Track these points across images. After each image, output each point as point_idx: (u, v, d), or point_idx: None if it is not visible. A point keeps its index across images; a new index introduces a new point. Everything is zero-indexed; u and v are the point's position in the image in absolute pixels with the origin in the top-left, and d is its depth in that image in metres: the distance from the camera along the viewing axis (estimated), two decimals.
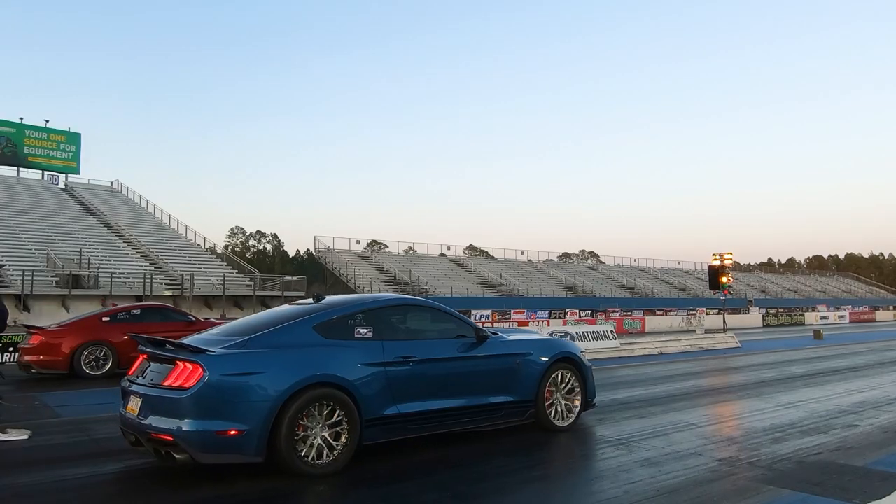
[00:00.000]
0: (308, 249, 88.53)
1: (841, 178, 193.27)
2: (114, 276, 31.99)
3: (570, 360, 7.13)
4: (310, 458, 5.08)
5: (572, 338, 16.83)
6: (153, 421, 4.92)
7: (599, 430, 7.16)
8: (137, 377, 5.46)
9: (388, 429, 5.63)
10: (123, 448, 5.74)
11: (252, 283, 37.96)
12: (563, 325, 25.85)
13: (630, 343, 18.87)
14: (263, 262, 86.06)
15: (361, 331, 5.75)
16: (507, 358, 6.59)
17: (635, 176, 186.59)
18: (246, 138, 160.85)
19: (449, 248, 58.11)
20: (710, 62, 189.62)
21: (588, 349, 16.79)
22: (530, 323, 32.68)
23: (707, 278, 31.79)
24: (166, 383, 4.99)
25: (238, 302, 36.20)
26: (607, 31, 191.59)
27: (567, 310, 42.00)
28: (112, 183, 50.43)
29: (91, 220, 41.56)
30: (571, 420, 7.04)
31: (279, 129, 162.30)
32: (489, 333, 6.67)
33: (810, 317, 46.89)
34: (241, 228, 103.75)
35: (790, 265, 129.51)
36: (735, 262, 70.77)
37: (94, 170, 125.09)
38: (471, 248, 74.83)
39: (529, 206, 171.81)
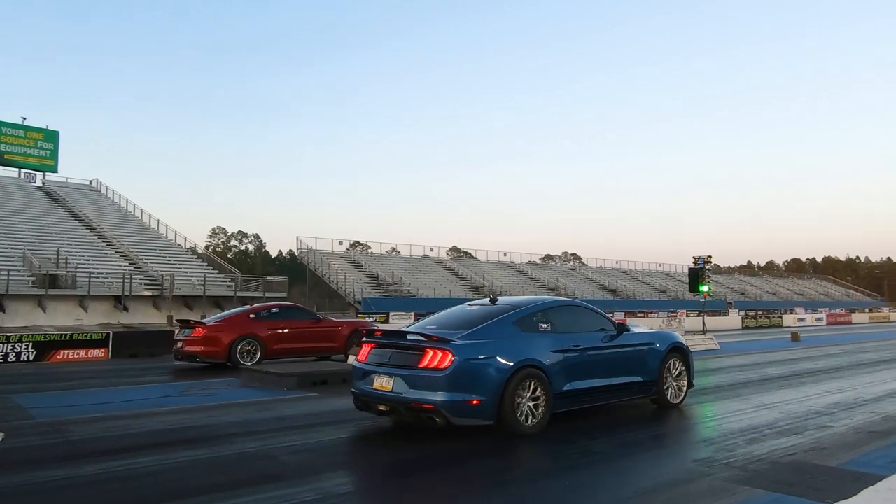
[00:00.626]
0: (290, 250, 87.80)
1: (819, 182, 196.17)
2: (92, 276, 31.60)
3: (679, 349, 8.72)
4: (522, 421, 6.61)
5: None
6: (412, 395, 6.37)
7: (571, 432, 7.22)
8: (378, 362, 6.88)
9: (566, 401, 7.17)
10: (101, 449, 5.69)
11: (233, 283, 37.69)
12: None
13: None
14: (245, 262, 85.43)
15: (543, 325, 7.31)
16: (638, 347, 8.23)
17: (618, 179, 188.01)
18: (229, 139, 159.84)
19: (432, 250, 58.21)
20: (691, 66, 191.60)
21: None
22: None
23: (687, 280, 32.07)
24: (422, 366, 6.38)
25: (218, 302, 35.90)
26: (587, 35, 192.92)
27: None
28: (91, 182, 49.81)
29: (69, 219, 41.00)
30: (681, 398, 8.65)
31: (262, 130, 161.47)
32: (626, 327, 8.31)
33: (788, 319, 47.50)
34: (223, 229, 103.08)
35: (769, 268, 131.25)
36: (715, 264, 71.61)
37: (72, 168, 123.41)
38: (454, 249, 74.98)
39: (513, 208, 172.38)
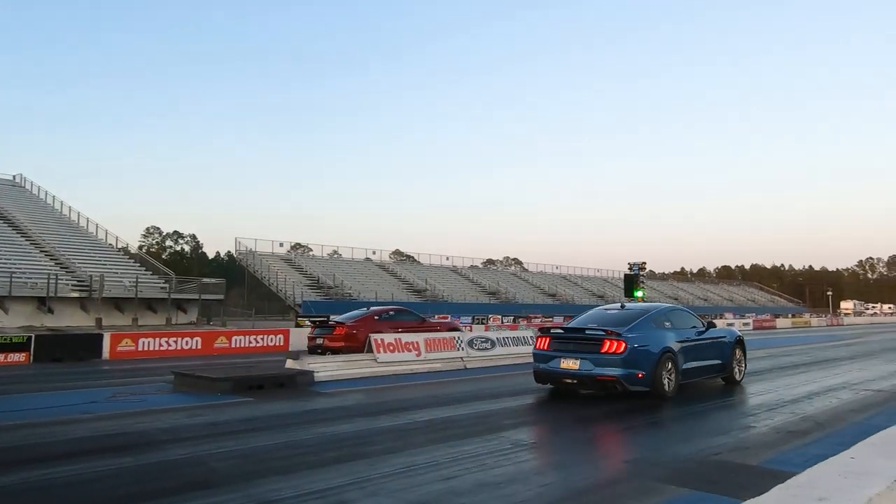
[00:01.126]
0: (229, 251, 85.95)
1: (748, 193, 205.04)
2: (14, 275, 30.02)
3: (740, 342, 11.91)
4: (666, 388, 9.64)
5: (493, 343, 17.09)
6: (598, 371, 9.33)
7: (516, 434, 7.31)
8: (560, 349, 10.00)
9: (684, 376, 10.13)
10: (22, 458, 5.41)
11: (167, 285, 36.48)
12: (486, 330, 26.19)
13: None
14: (180, 263, 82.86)
15: (667, 323, 10.41)
16: (719, 339, 11.50)
17: (558, 186, 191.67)
18: (164, 138, 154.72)
19: (374, 253, 57.88)
20: (626, 77, 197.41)
21: (507, 355, 17.11)
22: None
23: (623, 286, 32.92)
24: (603, 351, 9.34)
25: (151, 305, 34.72)
26: (525, 46, 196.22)
27: (490, 315, 42.54)
28: (14, 177, 47.37)
29: None
30: (740, 378, 11.82)
31: (200, 129, 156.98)
32: (713, 324, 11.72)
33: (718, 324, 49.31)
34: (157, 228, 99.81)
35: (701, 274, 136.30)
36: (651, 270, 73.59)
37: None
38: (397, 252, 74.78)
39: (456, 213, 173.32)
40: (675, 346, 9.95)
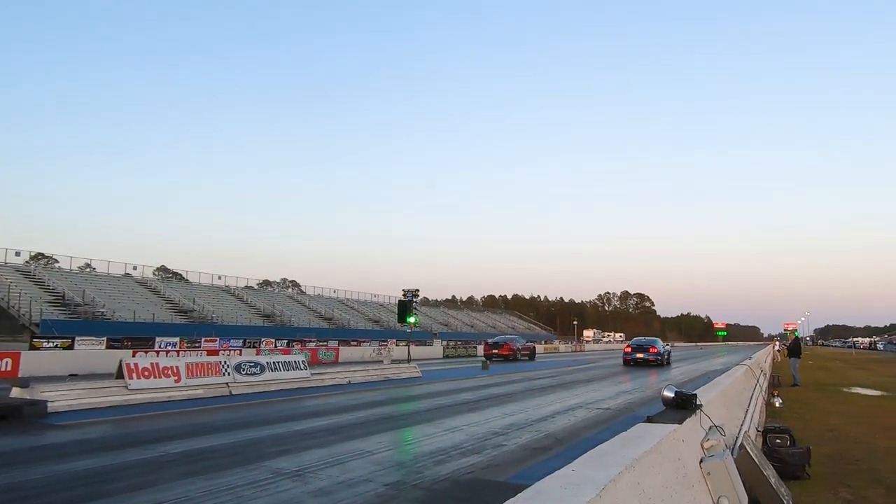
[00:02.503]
0: None
1: (512, 230, 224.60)
2: None
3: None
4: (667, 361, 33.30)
5: (262, 367, 16.44)
6: (649, 356, 31.06)
7: (278, 462, 7.08)
8: (635, 349, 32.00)
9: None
10: None
11: None
12: (257, 354, 25.12)
13: (321, 373, 19.11)
14: None
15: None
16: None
17: (337, 209, 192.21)
18: None
19: (136, 268, 52.54)
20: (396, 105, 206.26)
21: (277, 380, 16.58)
22: (221, 352, 31.03)
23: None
24: (652, 351, 31.34)
25: None
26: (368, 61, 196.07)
27: (263, 338, 40.86)
28: None
29: None
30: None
31: None
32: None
33: (481, 349, 52.88)
34: None
35: (469, 303, 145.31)
36: (424, 297, 76.64)
37: None
38: (162, 269, 68.86)
39: (232, 232, 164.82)
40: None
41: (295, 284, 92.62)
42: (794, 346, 22.27)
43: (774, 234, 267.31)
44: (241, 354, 25.93)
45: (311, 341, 41.98)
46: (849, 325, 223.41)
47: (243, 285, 60.27)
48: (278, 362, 17.27)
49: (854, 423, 11.02)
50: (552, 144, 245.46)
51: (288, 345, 38.73)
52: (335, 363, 33.51)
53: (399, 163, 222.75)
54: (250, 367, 16.12)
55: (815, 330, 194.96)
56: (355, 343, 46.40)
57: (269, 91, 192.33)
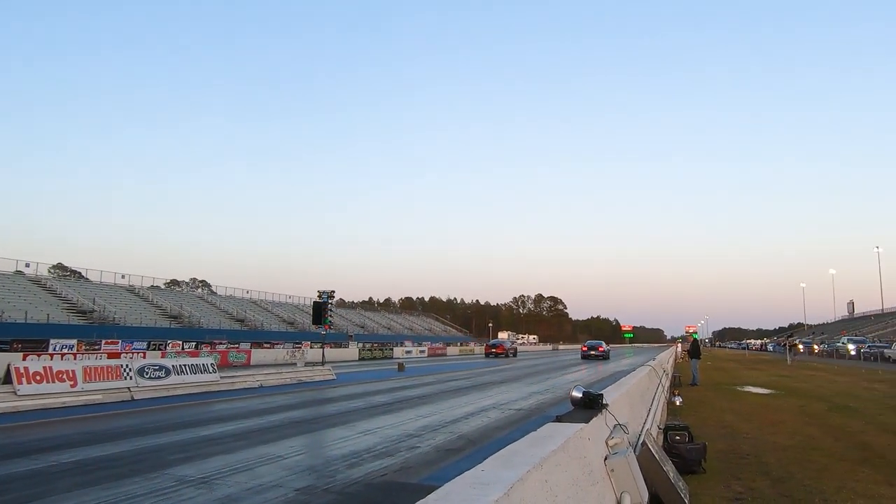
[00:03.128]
0: None
1: (429, 230, 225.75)
2: None
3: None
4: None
5: (167, 371, 15.74)
6: (599, 354, 46.08)
7: (182, 470, 6.80)
8: (590, 349, 47.19)
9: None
10: None
11: None
12: (162, 357, 24.04)
13: (232, 376, 18.51)
14: None
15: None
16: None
17: (252, 207, 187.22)
18: None
19: (28, 265, 49.08)
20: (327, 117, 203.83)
21: (184, 384, 15.92)
22: (123, 354, 29.45)
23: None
24: (600, 350, 46.91)
25: None
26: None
27: (170, 341, 39.11)
28: None
29: None
30: None
31: None
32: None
33: (398, 351, 52.78)
34: None
35: (387, 304, 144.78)
36: (340, 298, 75.61)
37: None
38: (59, 266, 64.81)
39: (135, 227, 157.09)
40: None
41: (205, 284, 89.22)
42: (693, 348, 23.53)
43: (676, 242, 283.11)
44: (144, 357, 24.76)
45: (221, 343, 40.60)
46: (743, 327, 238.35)
47: (149, 285, 57.55)
48: (185, 365, 16.59)
49: (745, 419, 11.76)
50: (472, 148, 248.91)
51: (196, 347, 37.26)
52: (247, 366, 32.55)
53: (318, 162, 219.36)
54: (155, 370, 15.40)
55: (714, 332, 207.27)
56: (268, 345, 45.26)
57: (188, 86, 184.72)
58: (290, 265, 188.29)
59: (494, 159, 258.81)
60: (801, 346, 62.85)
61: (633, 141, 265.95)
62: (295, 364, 28.98)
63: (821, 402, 14.83)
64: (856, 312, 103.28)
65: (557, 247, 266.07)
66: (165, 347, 36.06)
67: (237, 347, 39.12)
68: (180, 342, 39.36)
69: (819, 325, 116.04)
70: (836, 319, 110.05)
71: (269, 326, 58.36)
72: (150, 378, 15.04)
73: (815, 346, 62.96)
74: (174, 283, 79.26)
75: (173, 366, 16.12)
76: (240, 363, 33.97)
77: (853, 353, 46.20)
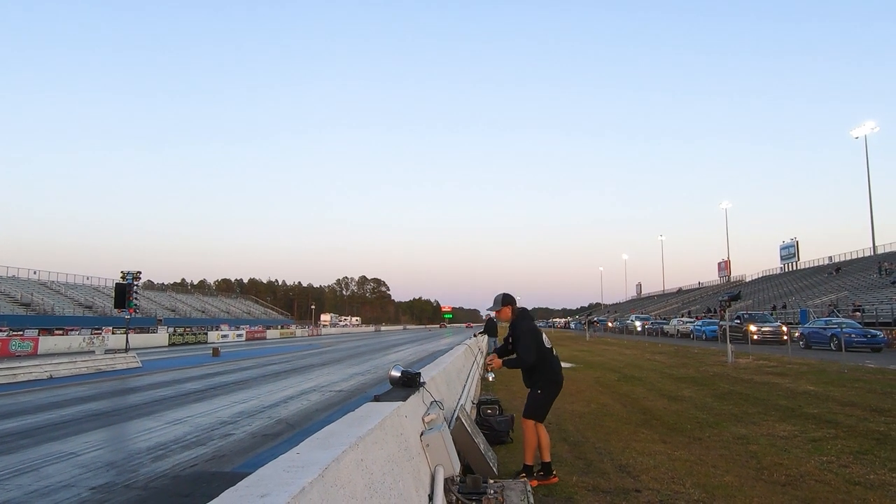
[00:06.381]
0: None
1: (249, 210, 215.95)
2: None
3: None
4: None
5: None
6: None
7: None
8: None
9: None
10: None
11: None
12: None
13: (14, 367, 16.36)
14: None
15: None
16: None
17: (34, 171, 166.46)
18: None
19: None
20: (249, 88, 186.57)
21: None
22: None
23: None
24: None
25: None
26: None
27: None
28: None
29: None
30: None
31: None
32: None
33: (213, 335, 50.10)
34: None
35: (202, 286, 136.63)
36: (148, 280, 70.02)
37: None
38: None
39: None
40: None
41: None
42: (489, 326, 23.57)
43: (494, 230, 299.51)
44: None
45: (2, 331, 35.72)
46: (550, 307, 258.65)
47: None
48: None
49: None
50: (296, 128, 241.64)
51: None
52: (34, 355, 28.98)
53: (130, 128, 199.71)
54: None
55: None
56: (61, 332, 40.68)
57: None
58: (88, 243, 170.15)
59: (321, 141, 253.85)
60: (597, 323, 69.66)
61: (445, 140, 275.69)
62: (93, 352, 26.37)
63: (612, 373, 16.51)
64: (643, 293, 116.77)
65: (381, 229, 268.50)
66: None
67: (21, 335, 34.63)
68: None
69: (614, 304, 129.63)
70: (628, 299, 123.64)
71: (61, 311, 52.35)
72: None
73: (610, 323, 70.18)
74: None
75: None
76: (25, 352, 30.15)
77: (639, 328, 52.17)
